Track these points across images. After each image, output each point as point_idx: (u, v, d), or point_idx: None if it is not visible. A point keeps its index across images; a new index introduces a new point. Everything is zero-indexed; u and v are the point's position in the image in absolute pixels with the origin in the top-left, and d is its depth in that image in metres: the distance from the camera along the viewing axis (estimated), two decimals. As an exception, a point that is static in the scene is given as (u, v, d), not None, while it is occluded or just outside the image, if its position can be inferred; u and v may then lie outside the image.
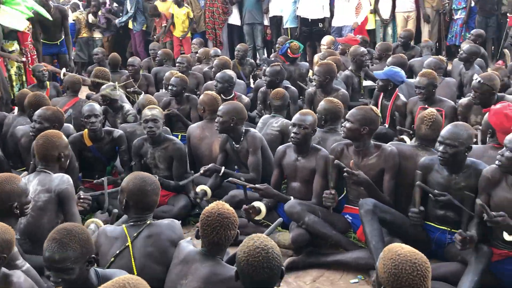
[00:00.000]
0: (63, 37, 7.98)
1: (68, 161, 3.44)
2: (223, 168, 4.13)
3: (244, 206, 3.65)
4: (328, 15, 9.50)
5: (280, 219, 3.03)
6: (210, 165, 4.14)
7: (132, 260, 2.61)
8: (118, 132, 4.63)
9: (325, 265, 3.47)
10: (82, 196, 3.55)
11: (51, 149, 3.28)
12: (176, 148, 4.34)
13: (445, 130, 3.22)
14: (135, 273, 2.54)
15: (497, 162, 2.92)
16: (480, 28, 9.02)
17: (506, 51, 8.00)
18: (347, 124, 3.59)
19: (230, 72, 5.54)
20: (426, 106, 4.55)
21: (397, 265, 1.85)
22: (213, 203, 2.52)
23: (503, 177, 2.98)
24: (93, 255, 2.24)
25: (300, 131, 3.72)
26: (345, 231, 3.67)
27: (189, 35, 9.96)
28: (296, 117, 3.82)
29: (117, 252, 2.64)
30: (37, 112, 4.17)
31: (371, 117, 3.60)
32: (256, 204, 3.72)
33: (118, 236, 2.69)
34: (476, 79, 4.41)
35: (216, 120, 4.19)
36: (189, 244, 2.59)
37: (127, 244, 2.64)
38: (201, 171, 4.12)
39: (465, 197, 3.16)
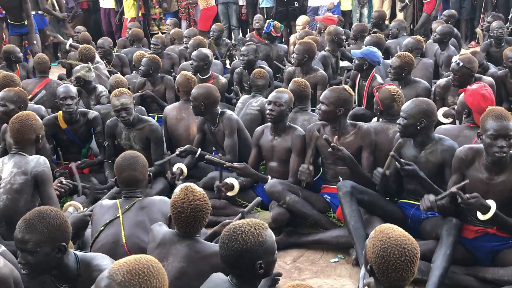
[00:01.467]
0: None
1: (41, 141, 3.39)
2: (199, 149, 4.09)
3: (217, 183, 3.66)
4: None
5: (258, 198, 3.04)
6: (186, 146, 4.09)
7: (122, 228, 2.65)
8: (93, 113, 4.55)
9: (305, 245, 3.51)
10: (64, 182, 3.50)
11: (29, 132, 3.21)
12: (153, 130, 4.27)
13: (404, 104, 3.38)
14: (124, 241, 2.62)
15: (500, 154, 2.82)
16: (455, 9, 9.11)
17: (478, 31, 8.10)
18: (322, 107, 3.61)
19: (206, 50, 5.47)
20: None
21: (386, 248, 1.87)
22: (183, 191, 2.42)
23: (476, 158, 3.01)
24: (63, 243, 2.16)
25: (275, 108, 3.74)
26: (325, 210, 3.70)
27: (133, 15, 9.66)
28: (272, 94, 3.84)
29: (107, 221, 2.70)
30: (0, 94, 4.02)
31: (345, 97, 3.63)
32: (229, 180, 3.73)
33: (111, 207, 2.78)
34: (455, 62, 4.45)
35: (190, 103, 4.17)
36: (162, 226, 2.57)
37: (118, 215, 2.71)
38: (177, 152, 4.07)
39: (432, 171, 3.23)
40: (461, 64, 4.36)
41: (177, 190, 2.47)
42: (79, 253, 2.31)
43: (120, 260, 1.70)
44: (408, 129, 3.27)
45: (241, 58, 5.58)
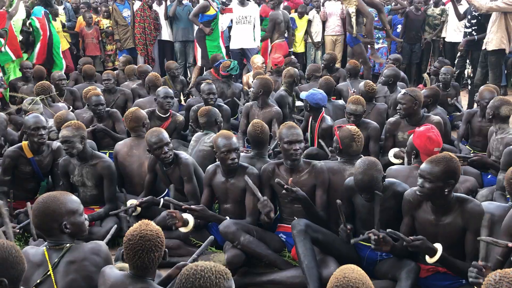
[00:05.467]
0: None
1: None
2: (161, 200, 3.95)
3: (170, 210, 3.55)
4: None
5: (211, 237, 2.98)
6: (148, 198, 3.96)
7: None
8: (56, 144, 4.49)
9: (260, 285, 3.45)
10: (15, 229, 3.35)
11: None
12: (106, 166, 4.17)
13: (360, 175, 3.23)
14: None
15: (418, 192, 3.00)
16: (406, 53, 9.52)
17: (425, 76, 8.47)
18: (300, 145, 3.65)
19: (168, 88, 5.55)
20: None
21: (338, 286, 1.88)
22: (139, 223, 2.41)
23: (424, 200, 3.09)
24: (3, 279, 2.03)
25: (237, 155, 3.73)
26: (280, 250, 3.68)
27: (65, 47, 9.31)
28: (232, 142, 3.72)
29: (38, 281, 2.47)
30: None
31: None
32: (185, 215, 3.63)
33: (39, 262, 2.52)
34: (401, 93, 4.71)
35: None
36: (113, 269, 2.48)
37: (48, 273, 2.48)
38: (138, 202, 3.93)
39: (388, 217, 3.28)
40: (404, 92, 4.64)
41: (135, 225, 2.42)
42: None
43: None
44: (379, 187, 3.23)
45: (210, 96, 5.58)
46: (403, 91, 4.79)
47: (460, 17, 8.18)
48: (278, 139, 3.73)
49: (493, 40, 6.87)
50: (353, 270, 1.95)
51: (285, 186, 3.40)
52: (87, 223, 2.68)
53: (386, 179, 3.33)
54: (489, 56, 6.98)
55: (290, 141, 3.61)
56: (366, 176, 3.17)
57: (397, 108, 4.74)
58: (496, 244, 2.61)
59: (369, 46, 8.20)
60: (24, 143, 4.36)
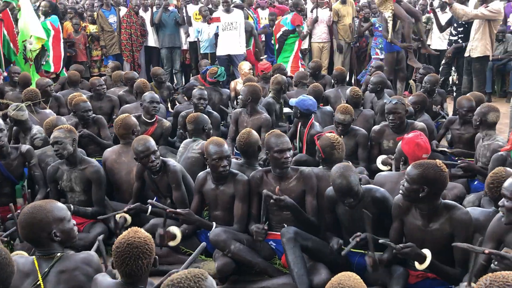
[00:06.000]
0: None
1: None
2: (149, 208, 3.91)
3: (159, 230, 3.54)
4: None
5: (203, 244, 2.95)
6: (136, 205, 3.91)
7: None
8: (25, 146, 4.43)
9: (250, 293, 3.44)
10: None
11: None
12: (95, 171, 4.16)
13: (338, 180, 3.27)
14: None
15: (400, 191, 3.06)
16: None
17: (412, 82, 8.53)
18: (290, 153, 3.66)
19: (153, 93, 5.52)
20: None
21: None
22: (128, 231, 2.38)
23: (412, 205, 3.12)
24: None
25: (229, 162, 3.72)
26: (270, 257, 3.67)
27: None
28: (223, 149, 3.71)
29: None
30: None
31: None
32: (172, 229, 3.61)
33: (29, 271, 2.49)
34: (388, 102, 4.71)
35: None
36: (106, 277, 2.45)
37: (38, 283, 2.45)
38: (125, 209, 3.88)
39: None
40: (395, 101, 4.64)
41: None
42: None
43: None
44: (358, 197, 3.27)
45: (200, 102, 5.58)
46: (392, 99, 4.78)
47: (442, 29, 8.27)
48: (266, 148, 3.72)
49: (477, 47, 6.97)
50: (349, 278, 1.97)
51: (274, 197, 3.39)
52: (76, 228, 2.65)
53: (363, 186, 3.36)
54: (474, 63, 7.08)
55: (281, 149, 3.61)
56: (344, 179, 3.20)
57: (391, 118, 4.74)
58: (473, 250, 2.63)
59: (406, 50, 8.15)
60: None
